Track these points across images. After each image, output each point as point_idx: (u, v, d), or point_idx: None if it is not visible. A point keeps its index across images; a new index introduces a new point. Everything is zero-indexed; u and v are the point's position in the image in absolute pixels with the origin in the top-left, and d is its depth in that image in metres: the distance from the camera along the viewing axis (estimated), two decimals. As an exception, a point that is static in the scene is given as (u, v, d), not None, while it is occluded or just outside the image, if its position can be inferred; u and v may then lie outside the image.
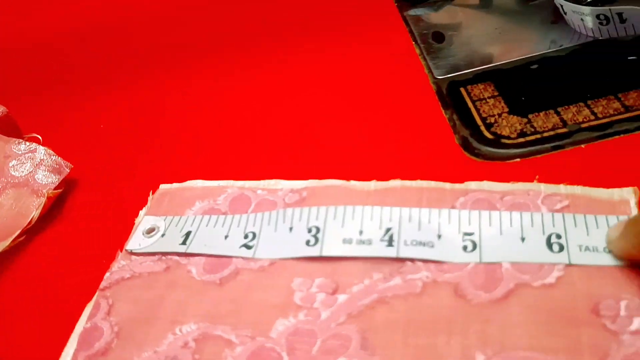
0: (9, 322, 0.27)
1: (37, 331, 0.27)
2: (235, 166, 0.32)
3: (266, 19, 0.45)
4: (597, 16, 0.32)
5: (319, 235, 0.26)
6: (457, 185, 0.27)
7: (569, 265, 0.23)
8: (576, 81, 0.31)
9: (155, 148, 0.35)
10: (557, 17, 0.36)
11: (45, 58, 0.47)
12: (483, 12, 0.39)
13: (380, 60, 0.37)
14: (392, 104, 0.33)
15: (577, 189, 0.25)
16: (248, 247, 0.27)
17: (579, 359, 0.20)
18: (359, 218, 0.26)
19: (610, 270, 0.22)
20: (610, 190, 0.25)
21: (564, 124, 0.29)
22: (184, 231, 0.28)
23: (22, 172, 0.32)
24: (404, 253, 0.24)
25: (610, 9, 0.31)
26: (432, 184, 0.28)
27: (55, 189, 0.32)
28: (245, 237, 0.27)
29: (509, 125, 0.29)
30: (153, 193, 0.31)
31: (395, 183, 0.28)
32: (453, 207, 0.26)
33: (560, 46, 0.34)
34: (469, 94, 0.32)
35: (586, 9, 0.32)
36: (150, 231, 0.29)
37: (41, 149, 0.33)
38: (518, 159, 0.28)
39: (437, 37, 0.38)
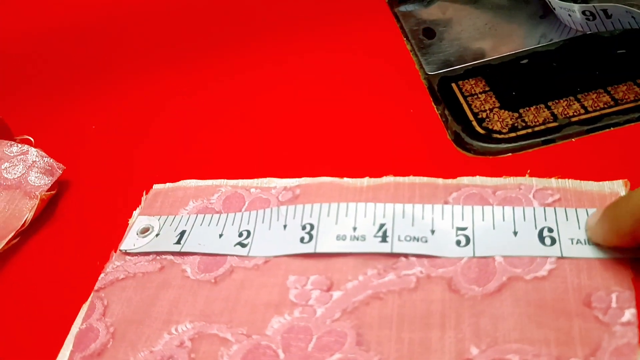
0: (4, 324, 0.27)
1: (33, 333, 0.26)
2: (228, 165, 0.32)
3: (256, 17, 0.45)
4: (583, 12, 0.32)
5: (313, 233, 0.26)
6: (450, 181, 0.27)
7: (561, 258, 0.23)
8: (566, 75, 0.31)
9: (148, 148, 0.35)
10: (545, 12, 0.36)
11: (36, 59, 0.47)
12: (472, 7, 0.40)
13: (372, 56, 0.37)
14: (384, 100, 0.33)
15: (568, 183, 0.26)
16: (243, 245, 0.27)
17: (571, 350, 0.20)
18: (353, 214, 0.26)
19: (601, 263, 0.22)
20: (600, 183, 0.25)
21: (555, 118, 0.29)
22: (178, 230, 0.28)
23: (15, 174, 0.32)
24: (398, 248, 0.25)
25: (594, 6, 0.32)
26: (425, 179, 0.28)
27: (48, 190, 0.32)
28: (240, 235, 0.27)
29: (500, 120, 0.30)
30: (146, 193, 0.31)
31: (388, 179, 0.28)
32: (446, 202, 0.26)
33: (550, 40, 0.34)
34: (460, 89, 0.32)
35: (574, 6, 0.33)
36: (144, 231, 0.29)
37: (33, 151, 0.33)
38: (509, 154, 0.28)
39: (428, 33, 0.38)
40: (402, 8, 0.41)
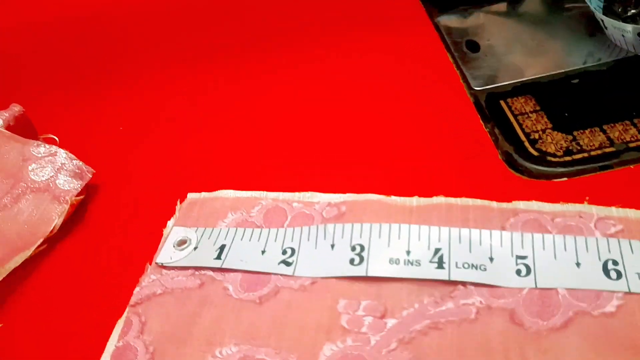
0: (32, 338, 0.26)
1: (64, 349, 0.25)
2: (267, 177, 0.31)
3: (298, 23, 0.43)
4: (639, 34, 0.31)
5: (364, 254, 0.25)
6: (505, 205, 0.26)
7: (628, 293, 0.22)
8: (620, 97, 0.30)
9: (181, 154, 0.34)
10: (593, 29, 0.35)
11: (62, 56, 0.45)
12: (513, 19, 0.39)
13: (414, 69, 0.36)
14: (430, 116, 0.32)
15: (630, 212, 0.25)
16: (287, 263, 0.26)
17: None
18: (406, 237, 0.25)
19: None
20: (664, 214, 0.24)
21: (611, 142, 0.28)
22: (218, 244, 0.27)
23: (43, 176, 0.31)
24: (456, 276, 0.24)
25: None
26: (479, 202, 0.27)
27: (77, 195, 0.31)
28: (284, 253, 0.26)
29: (554, 142, 0.29)
30: (181, 202, 0.30)
31: (439, 200, 0.27)
32: (503, 228, 0.25)
33: (599, 60, 0.33)
34: (509, 107, 0.31)
35: (628, 27, 0.32)
36: (181, 243, 0.28)
37: (62, 152, 0.32)
38: (565, 178, 0.27)
39: (472, 45, 0.37)
40: (442, 18, 0.40)
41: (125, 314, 0.26)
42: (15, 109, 0.34)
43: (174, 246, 0.28)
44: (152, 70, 0.41)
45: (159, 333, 0.24)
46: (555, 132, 0.29)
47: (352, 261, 0.25)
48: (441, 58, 0.36)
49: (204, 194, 0.30)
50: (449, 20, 0.39)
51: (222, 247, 0.27)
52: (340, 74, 0.37)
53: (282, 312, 0.24)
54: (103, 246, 0.29)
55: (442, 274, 0.24)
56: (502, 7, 0.40)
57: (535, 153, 0.28)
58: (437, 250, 0.25)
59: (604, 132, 0.29)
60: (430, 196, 0.27)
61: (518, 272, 0.23)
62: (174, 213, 0.30)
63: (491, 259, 0.24)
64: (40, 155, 0.32)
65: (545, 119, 0.30)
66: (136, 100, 0.39)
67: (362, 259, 0.25)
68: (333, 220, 0.27)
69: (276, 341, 0.23)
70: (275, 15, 0.44)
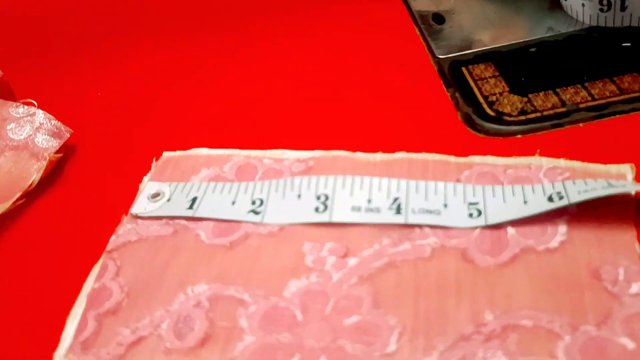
0: (11, 283, 0.27)
1: (42, 293, 0.26)
2: (238, 136, 0.32)
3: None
4: (600, 1, 0.33)
5: (328, 203, 0.27)
6: (462, 159, 0.28)
7: (571, 229, 0.24)
8: (573, 65, 0.32)
9: (156, 117, 0.35)
10: (553, 4, 0.37)
11: (40, 21, 0.46)
12: (479, -3, 0.40)
13: (382, 39, 0.37)
14: (394, 81, 0.34)
15: (577, 164, 0.27)
16: (256, 212, 0.27)
17: (583, 318, 0.21)
18: (367, 188, 0.27)
19: (609, 239, 0.23)
20: (607, 165, 0.26)
21: (563, 103, 0.30)
22: (190, 196, 0.28)
23: (21, 135, 0.32)
24: (412, 220, 0.25)
25: (613, -4, 0.33)
26: (437, 157, 0.28)
27: (55, 153, 0.32)
28: (253, 203, 0.28)
29: (510, 103, 0.30)
30: (156, 160, 0.31)
31: (401, 155, 0.29)
32: (458, 180, 0.27)
33: (558, 32, 0.35)
34: (470, 73, 0.33)
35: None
36: (155, 196, 0.29)
37: (40, 113, 0.33)
38: (519, 135, 0.29)
39: (437, 18, 0.38)
40: (411, -6, 0.41)
41: (101, 259, 0.27)
42: (-5, 72, 0.35)
43: (148, 198, 0.29)
44: (129, 38, 0.42)
45: (134, 276, 0.26)
46: (512, 95, 0.31)
47: (317, 209, 0.26)
48: (408, 29, 0.38)
49: (178, 152, 0.32)
50: (417, -4, 0.41)
51: (194, 199, 0.28)
52: (311, 41, 0.39)
53: (251, 256, 0.26)
54: (80, 201, 0.30)
55: (399, 219, 0.25)
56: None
57: (492, 113, 0.30)
58: (395, 199, 0.26)
59: (557, 94, 0.30)
60: (394, 152, 0.29)
61: (470, 215, 0.25)
62: (150, 170, 0.31)
63: (445, 205, 0.26)
64: (19, 115, 0.33)
65: (503, 83, 0.32)
66: (115, 67, 0.40)
67: (326, 207, 0.26)
68: (301, 174, 0.29)
69: (245, 280, 0.25)
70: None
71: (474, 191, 0.26)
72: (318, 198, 0.27)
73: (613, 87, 0.30)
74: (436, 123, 0.31)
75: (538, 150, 0.27)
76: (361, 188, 0.27)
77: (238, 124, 0.33)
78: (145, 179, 0.30)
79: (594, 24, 0.34)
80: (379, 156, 0.29)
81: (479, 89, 0.32)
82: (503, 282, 0.23)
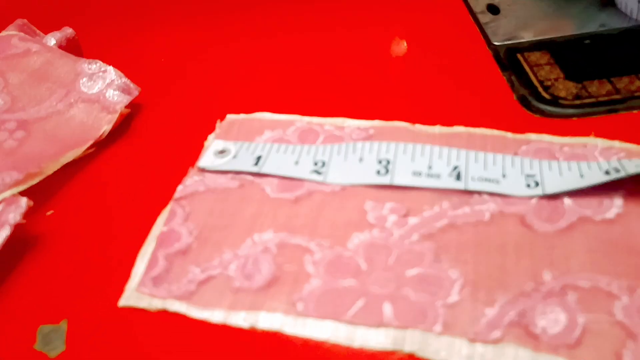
0: (82, 225, 0.28)
1: (112, 234, 0.28)
2: (300, 104, 0.33)
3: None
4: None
5: (389, 167, 0.28)
6: (519, 135, 0.29)
7: (627, 203, 0.25)
8: (628, 57, 0.33)
9: (219, 84, 0.36)
10: (605, 2, 0.38)
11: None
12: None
13: (439, 27, 0.39)
14: (451, 63, 0.35)
15: (632, 146, 0.28)
16: (318, 172, 0.28)
17: (640, 282, 0.22)
18: (428, 155, 0.28)
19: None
20: (664, 149, 0.27)
21: (617, 91, 0.31)
22: (255, 155, 0.30)
23: (93, 89, 0.34)
24: (472, 186, 0.26)
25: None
26: (495, 132, 0.29)
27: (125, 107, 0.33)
28: (315, 164, 0.29)
29: (565, 88, 0.32)
30: (221, 121, 0.33)
31: (460, 129, 0.30)
32: (516, 153, 0.28)
33: (611, 27, 0.36)
34: (525, 59, 0.34)
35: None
36: (221, 152, 0.30)
37: (112, 70, 0.34)
38: (575, 118, 0.30)
39: (492, 9, 0.39)
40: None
41: (169, 206, 0.28)
42: (68, 31, 0.37)
43: (214, 154, 0.30)
44: (195, 3, 0.44)
45: (202, 222, 0.27)
46: (567, 81, 0.32)
47: (378, 172, 0.28)
48: (464, 18, 0.39)
49: (242, 115, 0.33)
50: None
51: (259, 157, 0.30)
52: (377, 23, 0.40)
53: (315, 210, 0.27)
54: (147, 153, 0.32)
55: (459, 185, 0.26)
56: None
57: (547, 96, 0.31)
58: (455, 167, 0.27)
59: (612, 83, 0.31)
60: (452, 126, 0.30)
61: (527, 185, 0.26)
62: (214, 130, 0.32)
63: (504, 175, 0.27)
64: (92, 71, 0.34)
65: (558, 70, 0.33)
66: (179, 33, 0.42)
67: (387, 171, 0.28)
68: (361, 141, 0.30)
69: (310, 231, 0.26)
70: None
71: (531, 164, 0.27)
72: (380, 162, 0.28)
73: (668, 80, 0.31)
74: (493, 103, 0.32)
75: (593, 132, 0.28)
76: (422, 155, 0.28)
77: (299, 94, 0.35)
78: (211, 137, 0.32)
79: (647, 21, 0.35)
80: (437, 129, 0.30)
81: (535, 74, 0.33)
82: (561, 246, 0.24)
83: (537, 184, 0.26)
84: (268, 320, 0.23)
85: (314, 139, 0.31)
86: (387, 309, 0.22)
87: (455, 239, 0.25)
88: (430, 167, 0.27)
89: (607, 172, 0.25)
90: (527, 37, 0.36)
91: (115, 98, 0.33)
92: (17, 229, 0.26)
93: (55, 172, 0.30)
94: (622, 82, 0.31)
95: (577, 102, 0.31)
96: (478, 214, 0.25)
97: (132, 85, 0.34)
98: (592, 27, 0.37)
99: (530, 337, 0.21)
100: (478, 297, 0.22)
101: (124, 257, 0.26)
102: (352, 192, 0.27)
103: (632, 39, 0.35)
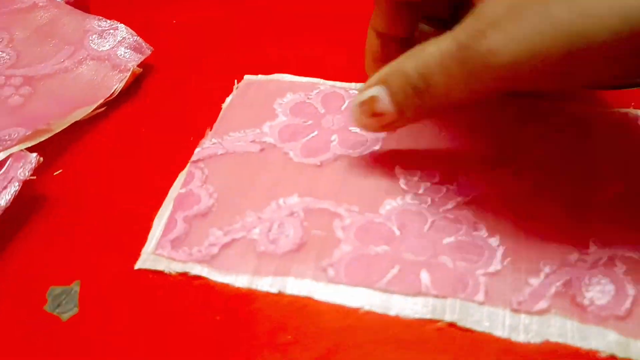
0: (92, 184, 0.27)
1: (125, 197, 0.26)
2: (321, 68, 0.32)
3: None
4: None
5: None
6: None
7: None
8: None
9: (233, 43, 0.35)
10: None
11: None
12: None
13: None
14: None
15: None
16: None
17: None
18: None
19: None
20: None
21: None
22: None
23: (103, 47, 0.32)
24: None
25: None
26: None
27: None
28: None
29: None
30: (237, 82, 0.31)
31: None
32: None
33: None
34: None
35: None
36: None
37: (123, 27, 0.32)
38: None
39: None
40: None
41: (186, 168, 0.27)
42: (76, -14, 0.35)
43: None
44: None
45: (222, 184, 0.25)
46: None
47: None
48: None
49: (260, 77, 0.31)
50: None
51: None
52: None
53: (342, 174, 0.25)
54: (160, 115, 0.30)
55: None
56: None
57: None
58: None
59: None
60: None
61: None
62: (232, 92, 0.31)
63: None
64: (101, 28, 0.32)
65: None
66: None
67: None
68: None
69: (337, 196, 0.24)
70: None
71: None
72: None
73: None
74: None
75: (632, 104, 0.27)
76: None
77: (320, 56, 0.33)
78: (228, 99, 0.30)
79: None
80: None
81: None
82: (606, 218, 0.23)
83: None
84: (296, 286, 0.21)
85: (338, 103, 0.29)
86: (425, 277, 0.21)
87: (492, 208, 0.23)
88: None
89: None
90: None
91: (127, 56, 0.31)
92: (25, 186, 0.24)
93: (63, 131, 0.28)
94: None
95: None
96: (518, 182, 0.24)
97: (144, 43, 0.32)
98: None
99: (577, 307, 0.20)
100: (521, 267, 0.21)
101: (138, 219, 0.25)
102: (381, 156, 0.26)
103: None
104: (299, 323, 0.21)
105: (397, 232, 0.23)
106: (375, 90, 0.22)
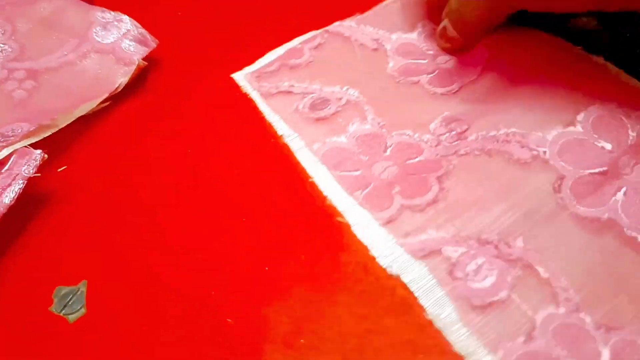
0: (97, 178, 0.26)
1: (130, 194, 0.26)
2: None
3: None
4: None
5: None
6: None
7: None
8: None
9: (243, 36, 0.34)
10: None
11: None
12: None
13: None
14: None
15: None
16: None
17: None
18: None
19: None
20: None
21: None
22: None
23: (107, 39, 0.31)
24: None
25: None
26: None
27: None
28: None
29: None
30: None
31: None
32: None
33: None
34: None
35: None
36: None
37: (127, 19, 0.32)
38: None
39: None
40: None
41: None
42: (79, -23, 0.34)
43: None
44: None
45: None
46: None
47: None
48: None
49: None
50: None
51: None
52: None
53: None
54: (166, 109, 0.29)
55: None
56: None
57: None
58: None
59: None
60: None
61: None
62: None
63: None
64: (105, 20, 0.32)
65: None
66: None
67: None
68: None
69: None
70: None
71: None
72: None
73: None
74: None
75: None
76: None
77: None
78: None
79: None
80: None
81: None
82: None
83: None
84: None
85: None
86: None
87: None
88: None
89: None
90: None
91: (132, 49, 0.31)
92: (30, 183, 0.24)
93: (67, 126, 0.28)
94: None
95: None
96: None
97: (149, 36, 0.32)
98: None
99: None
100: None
101: (146, 215, 0.24)
102: None
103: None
104: (316, 327, 0.20)
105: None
106: (445, 21, 0.29)
